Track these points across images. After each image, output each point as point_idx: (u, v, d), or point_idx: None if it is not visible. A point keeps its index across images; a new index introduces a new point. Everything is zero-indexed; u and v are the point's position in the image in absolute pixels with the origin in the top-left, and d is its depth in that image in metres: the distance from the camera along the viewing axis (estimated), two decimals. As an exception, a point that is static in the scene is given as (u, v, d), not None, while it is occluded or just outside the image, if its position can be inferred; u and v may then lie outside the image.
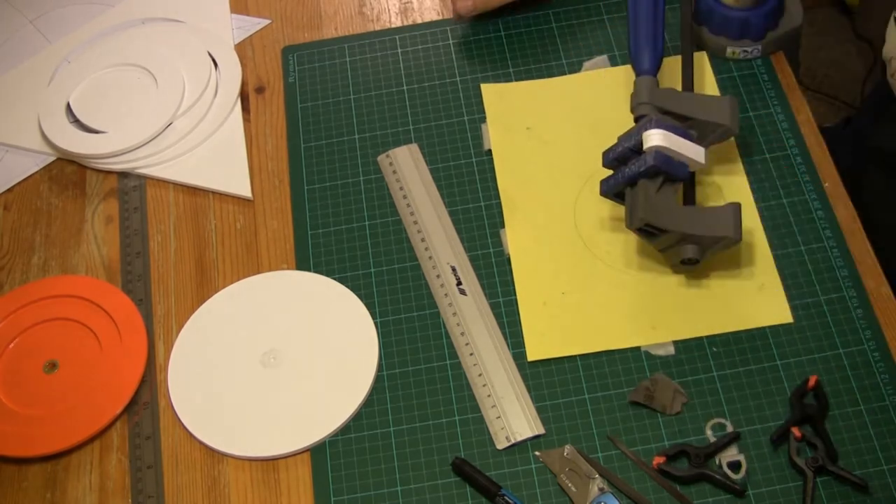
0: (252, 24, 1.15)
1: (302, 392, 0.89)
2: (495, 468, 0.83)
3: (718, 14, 1.01)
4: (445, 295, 0.92)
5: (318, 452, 0.86)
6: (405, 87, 1.07)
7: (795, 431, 0.81)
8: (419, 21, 1.12)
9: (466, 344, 0.89)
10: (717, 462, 0.81)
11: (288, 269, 0.96)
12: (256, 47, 1.13)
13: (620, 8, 1.09)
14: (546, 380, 0.87)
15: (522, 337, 0.89)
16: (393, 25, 1.13)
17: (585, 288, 0.91)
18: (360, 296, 0.93)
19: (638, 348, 0.88)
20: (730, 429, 0.83)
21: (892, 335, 0.86)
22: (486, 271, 0.94)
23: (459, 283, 0.93)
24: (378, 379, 0.89)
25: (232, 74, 1.10)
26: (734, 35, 1.01)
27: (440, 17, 1.12)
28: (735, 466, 0.81)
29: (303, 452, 0.86)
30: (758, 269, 0.90)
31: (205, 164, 1.04)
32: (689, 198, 0.92)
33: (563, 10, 1.10)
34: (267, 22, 1.15)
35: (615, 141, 0.90)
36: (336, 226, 0.98)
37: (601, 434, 0.84)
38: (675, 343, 0.88)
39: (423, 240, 0.96)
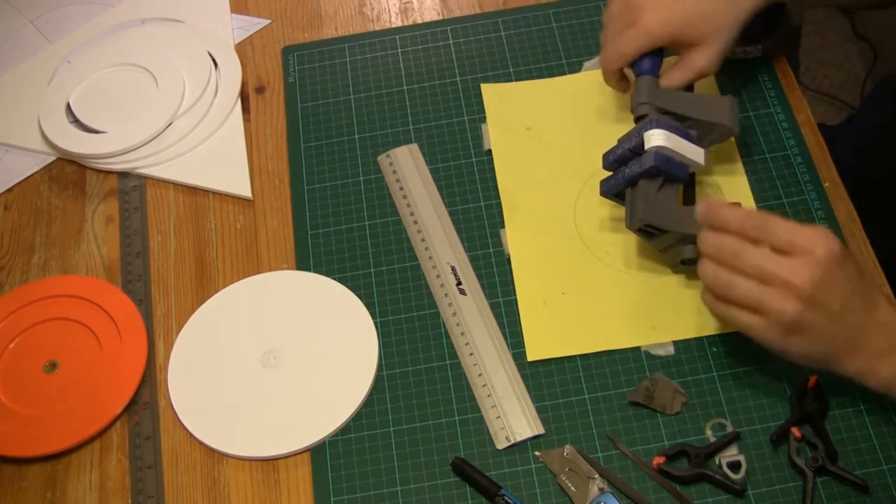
0: (252, 24, 1.15)
1: (302, 392, 0.89)
2: (495, 468, 0.83)
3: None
4: (445, 295, 0.92)
5: (318, 452, 0.86)
6: (405, 87, 1.07)
7: (795, 431, 0.81)
8: (419, 21, 1.12)
9: (466, 344, 0.89)
10: (717, 462, 0.81)
11: (288, 269, 0.96)
12: (256, 47, 1.13)
13: (620, 8, 1.09)
14: (546, 380, 0.87)
15: (522, 337, 0.89)
16: (393, 25, 1.13)
17: (585, 288, 0.91)
18: (360, 296, 0.93)
19: (638, 348, 0.88)
20: (730, 429, 0.83)
21: (892, 335, 0.86)
22: (486, 271, 0.94)
23: (459, 283, 0.93)
24: (378, 379, 0.89)
25: (232, 74, 1.10)
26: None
27: (440, 17, 1.12)
28: (735, 466, 0.81)
29: (303, 452, 0.86)
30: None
31: (205, 164, 1.04)
32: (689, 198, 0.92)
33: (563, 10, 1.10)
34: (267, 22, 1.15)
35: (615, 141, 0.90)
36: (336, 226, 0.98)
37: (601, 434, 0.84)
38: (675, 343, 0.88)
39: (423, 240, 0.96)
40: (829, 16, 2.17)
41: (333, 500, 0.83)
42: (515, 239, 0.95)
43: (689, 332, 0.88)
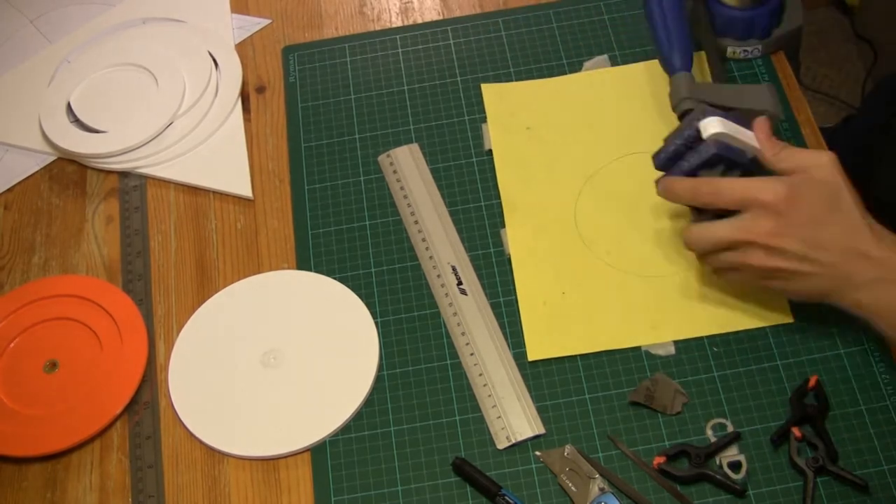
0: (252, 24, 1.15)
1: (302, 392, 0.89)
2: (495, 468, 0.83)
3: (722, 14, 1.01)
4: (446, 295, 0.92)
5: (318, 452, 0.86)
6: (405, 87, 1.07)
7: (796, 431, 0.81)
8: (419, 21, 1.12)
9: (467, 344, 0.89)
10: (718, 462, 0.81)
11: (288, 268, 0.96)
12: (257, 47, 1.13)
13: (620, 8, 1.09)
14: (546, 380, 0.87)
15: (523, 337, 0.89)
16: (393, 25, 1.13)
17: (585, 288, 0.91)
18: (360, 296, 0.93)
19: (638, 348, 0.88)
20: (730, 429, 0.83)
21: (893, 335, 0.86)
22: (486, 271, 0.94)
23: (460, 283, 0.93)
24: (378, 379, 0.89)
25: (232, 74, 1.10)
26: (739, 35, 1.01)
27: (440, 17, 1.12)
28: (735, 466, 0.81)
29: (303, 452, 0.86)
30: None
31: (205, 163, 1.04)
32: None
33: (563, 10, 1.10)
34: (267, 22, 1.15)
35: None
36: (336, 226, 0.98)
37: (601, 434, 0.84)
38: (675, 343, 0.88)
39: (423, 239, 0.96)
40: (829, 16, 2.17)
41: (333, 500, 0.83)
42: (516, 239, 0.95)
43: (689, 332, 0.88)
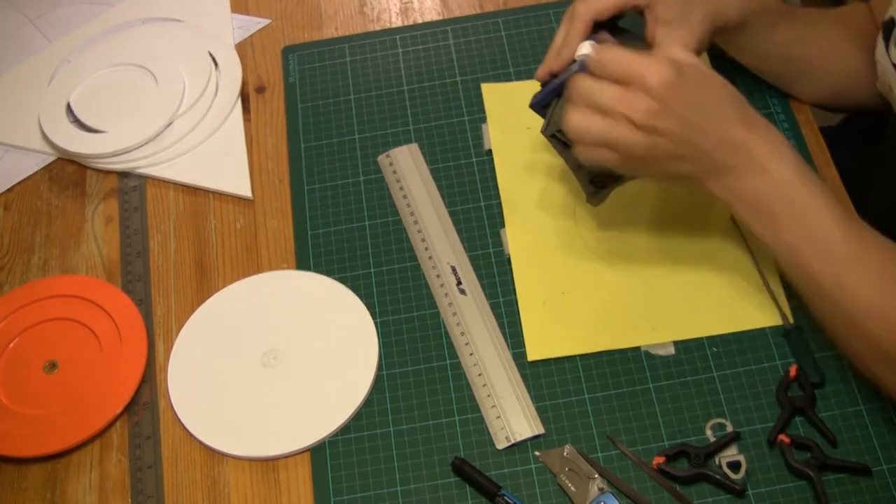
0: (252, 24, 1.15)
1: (302, 392, 0.89)
2: (495, 468, 0.83)
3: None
4: (445, 295, 0.92)
5: (318, 452, 0.86)
6: (405, 87, 1.07)
7: (784, 439, 0.81)
8: (419, 21, 1.12)
9: (466, 344, 0.89)
10: (717, 462, 0.81)
11: (288, 268, 0.96)
12: (257, 47, 1.13)
13: (620, 8, 1.09)
14: (546, 380, 0.87)
15: (522, 337, 0.89)
16: (393, 25, 1.13)
17: (585, 288, 0.91)
18: (360, 296, 0.93)
19: (638, 348, 0.88)
20: (730, 429, 0.83)
21: (893, 335, 0.86)
22: (486, 271, 0.94)
23: (459, 283, 0.93)
24: (378, 379, 0.89)
25: (232, 74, 1.10)
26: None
27: (440, 17, 1.12)
28: (735, 466, 0.81)
29: (303, 452, 0.86)
30: (758, 270, 0.90)
31: (205, 164, 1.04)
32: None
33: (563, 10, 1.09)
34: (267, 22, 1.15)
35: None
36: (336, 226, 0.98)
37: (601, 434, 0.84)
38: (675, 343, 0.88)
39: (423, 240, 0.96)
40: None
41: (333, 500, 0.83)
42: (515, 239, 0.95)
43: (689, 332, 0.88)
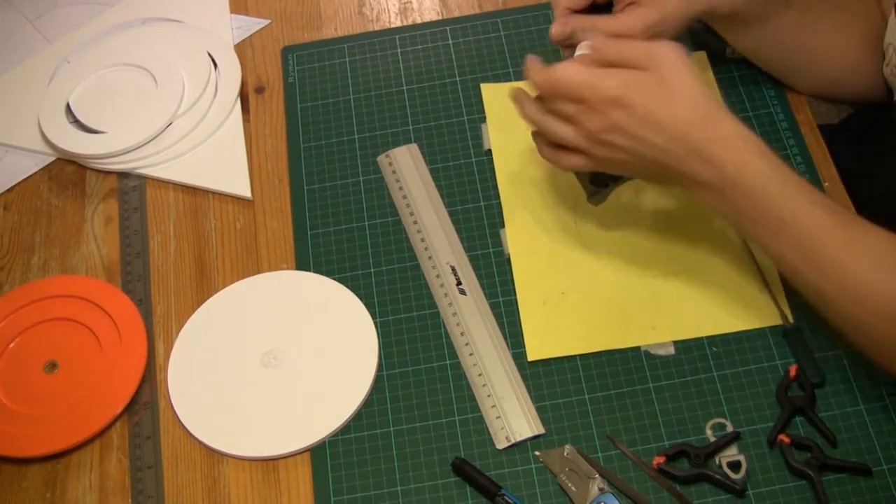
0: (252, 24, 1.15)
1: (302, 392, 0.89)
2: (495, 468, 0.83)
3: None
4: (445, 295, 0.92)
5: (318, 452, 0.86)
6: (405, 87, 1.07)
7: (784, 439, 0.81)
8: (419, 21, 1.12)
9: (466, 344, 0.89)
10: (717, 462, 0.81)
11: (288, 269, 0.96)
12: (256, 47, 1.13)
13: (620, 8, 1.09)
14: (546, 380, 0.87)
15: (522, 337, 0.89)
16: (393, 25, 1.13)
17: (585, 288, 0.91)
18: (360, 296, 0.93)
19: (638, 348, 0.88)
20: (730, 429, 0.83)
21: (892, 335, 0.86)
22: (486, 271, 0.94)
23: (459, 283, 0.93)
24: (378, 379, 0.89)
25: (232, 74, 1.10)
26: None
27: (440, 17, 1.12)
28: (735, 466, 0.81)
29: (303, 452, 0.86)
30: (758, 270, 0.90)
31: (205, 164, 1.04)
32: None
33: (562, 10, 1.10)
34: (267, 22, 1.15)
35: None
36: (336, 226, 0.98)
37: (601, 434, 0.84)
38: (675, 343, 0.88)
39: (422, 240, 0.96)
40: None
41: (333, 500, 0.83)
42: (515, 239, 0.95)
43: (689, 332, 0.88)
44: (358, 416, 0.87)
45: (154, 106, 1.07)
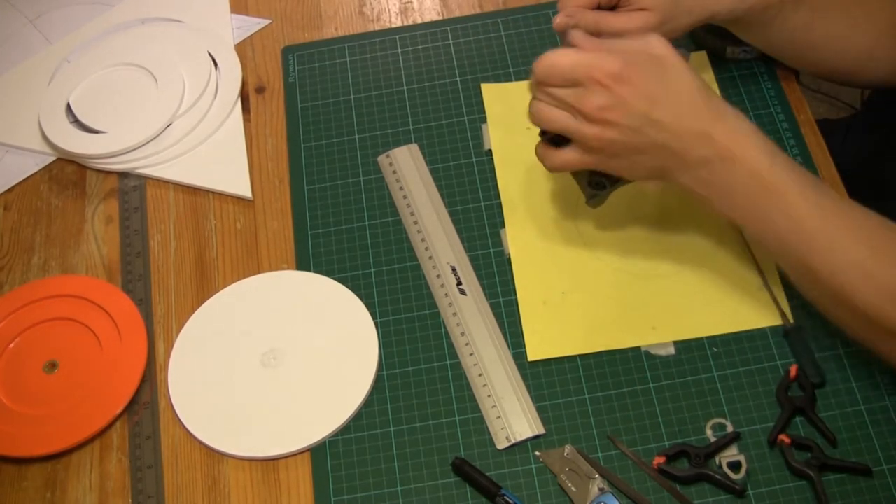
0: (252, 24, 1.15)
1: (302, 392, 0.89)
2: (495, 468, 0.83)
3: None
4: (445, 295, 0.92)
5: (318, 452, 0.86)
6: (405, 87, 1.07)
7: (785, 439, 0.81)
8: (419, 21, 1.12)
9: (466, 344, 0.89)
10: (717, 462, 0.81)
11: (288, 269, 0.96)
12: (256, 47, 1.13)
13: (620, 8, 1.09)
14: (546, 380, 0.87)
15: (522, 337, 0.89)
16: (393, 25, 1.13)
17: (585, 288, 0.91)
18: (360, 296, 0.93)
19: (638, 348, 0.88)
20: (730, 429, 0.83)
21: (893, 335, 0.86)
22: (486, 271, 0.94)
23: (459, 283, 0.93)
24: (378, 379, 0.89)
25: (232, 74, 1.10)
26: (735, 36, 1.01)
27: (440, 17, 1.12)
28: (735, 466, 0.81)
29: (303, 452, 0.86)
30: (758, 269, 0.90)
31: (205, 164, 1.04)
32: None
33: (563, 10, 1.10)
34: (267, 22, 1.15)
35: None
36: (336, 226, 0.98)
37: (601, 434, 0.84)
38: (675, 343, 0.88)
39: (423, 240, 0.96)
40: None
41: (333, 500, 0.83)
42: (516, 239, 0.95)
43: (689, 332, 0.88)
44: (358, 416, 0.87)
45: (154, 106, 1.07)
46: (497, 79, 1.06)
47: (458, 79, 1.07)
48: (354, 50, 1.11)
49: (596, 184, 0.87)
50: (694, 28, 0.90)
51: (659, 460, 0.81)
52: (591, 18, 0.86)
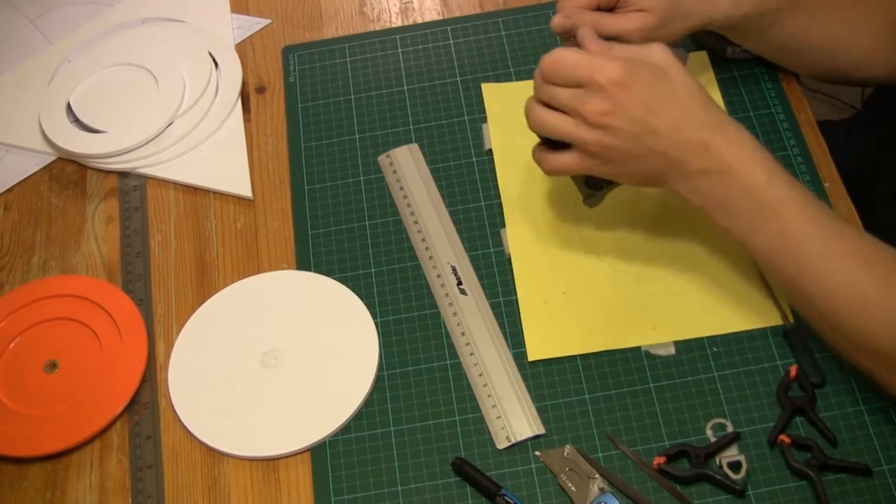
0: (252, 24, 1.15)
1: (302, 392, 0.89)
2: (495, 468, 0.83)
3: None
4: (446, 295, 0.92)
5: (318, 452, 0.86)
6: (405, 87, 1.07)
7: (785, 439, 0.81)
8: (419, 21, 1.12)
9: (467, 344, 0.89)
10: (718, 462, 0.81)
11: (288, 269, 0.96)
12: (257, 47, 1.13)
13: (621, 8, 1.09)
14: (546, 380, 0.87)
15: (523, 337, 0.89)
16: (393, 25, 1.13)
17: (585, 288, 0.91)
18: (360, 296, 0.93)
19: (638, 348, 0.88)
20: (730, 429, 0.83)
21: (893, 335, 0.86)
22: (486, 271, 0.94)
23: (460, 283, 0.93)
24: (378, 379, 0.89)
25: (232, 74, 1.10)
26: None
27: (440, 17, 1.12)
28: (735, 466, 0.81)
29: (303, 452, 0.86)
30: (758, 270, 0.90)
31: (205, 164, 1.04)
32: None
33: (563, 10, 1.10)
34: (267, 22, 1.15)
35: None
36: (336, 226, 0.98)
37: (601, 434, 0.84)
38: (675, 343, 0.88)
39: (423, 240, 0.96)
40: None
41: (333, 500, 0.83)
42: (516, 239, 0.95)
43: (689, 332, 0.88)
44: (358, 416, 0.87)
45: (155, 105, 1.07)
46: (497, 79, 1.06)
47: (458, 79, 1.07)
48: (355, 50, 1.11)
49: (593, 184, 0.87)
50: (691, 33, 0.90)
51: (659, 460, 0.81)
52: (589, 19, 0.86)
